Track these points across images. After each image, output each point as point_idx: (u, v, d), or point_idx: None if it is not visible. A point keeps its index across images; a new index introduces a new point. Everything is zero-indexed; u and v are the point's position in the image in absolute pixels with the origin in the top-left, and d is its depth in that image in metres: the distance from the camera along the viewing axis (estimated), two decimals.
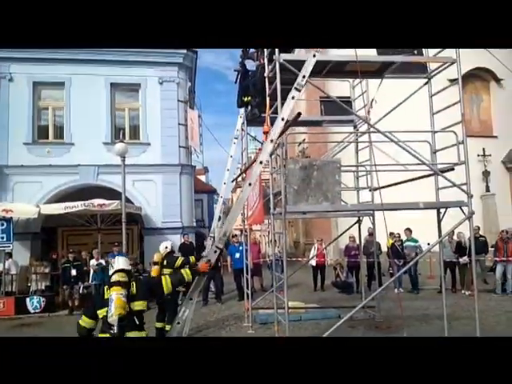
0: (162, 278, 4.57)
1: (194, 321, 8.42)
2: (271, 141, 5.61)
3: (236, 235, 13.20)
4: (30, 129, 15.05)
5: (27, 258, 13.73)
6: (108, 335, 3.84)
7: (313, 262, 13.02)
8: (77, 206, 12.48)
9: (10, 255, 12.45)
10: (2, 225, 11.92)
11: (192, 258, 8.56)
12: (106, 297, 3.94)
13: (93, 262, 12.13)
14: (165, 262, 7.94)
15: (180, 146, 15.88)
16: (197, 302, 7.24)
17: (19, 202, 13.67)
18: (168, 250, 8.10)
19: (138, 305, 4.05)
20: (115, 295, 3.86)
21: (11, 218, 12.12)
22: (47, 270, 12.54)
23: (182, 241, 13.85)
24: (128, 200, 13.79)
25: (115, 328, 3.80)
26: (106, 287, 4.07)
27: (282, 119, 5.67)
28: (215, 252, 5.53)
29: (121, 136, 13.57)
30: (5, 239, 11.84)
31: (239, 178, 11.22)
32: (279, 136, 5.98)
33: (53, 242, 16.03)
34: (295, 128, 17.59)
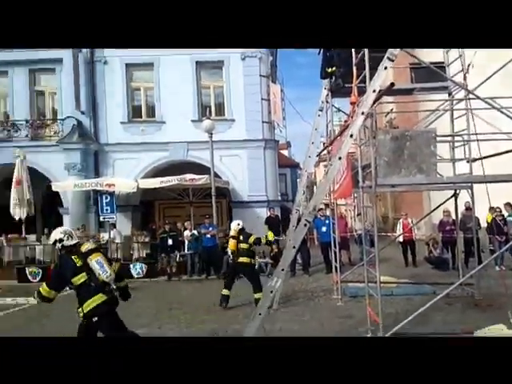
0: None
1: (284, 290, 8.67)
2: (362, 113, 5.47)
3: (322, 209, 13.15)
4: (125, 109, 16.13)
5: (129, 228, 15.01)
6: (102, 295, 4.36)
7: (400, 238, 12.63)
8: (171, 180, 13.28)
9: (114, 226, 13.70)
10: (106, 198, 13.08)
11: (270, 234, 8.89)
12: (79, 264, 4.39)
13: (187, 232, 12.92)
14: (241, 238, 8.45)
15: (263, 122, 16.04)
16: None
17: (119, 177, 14.89)
18: (240, 227, 8.58)
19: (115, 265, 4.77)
20: (102, 259, 4.44)
21: (113, 191, 13.26)
22: (147, 240, 13.63)
23: (268, 214, 14.15)
24: (216, 175, 14.36)
25: (112, 284, 4.47)
26: (74, 257, 4.42)
27: (374, 91, 5.48)
28: (305, 225, 5.60)
29: (207, 113, 14.06)
30: (109, 211, 13.01)
31: (323, 152, 11.09)
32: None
33: (151, 214, 17.29)
34: (382, 97, 16.79)
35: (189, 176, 13.34)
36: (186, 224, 13.30)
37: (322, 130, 10.16)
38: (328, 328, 6.68)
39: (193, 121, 15.85)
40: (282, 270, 5.62)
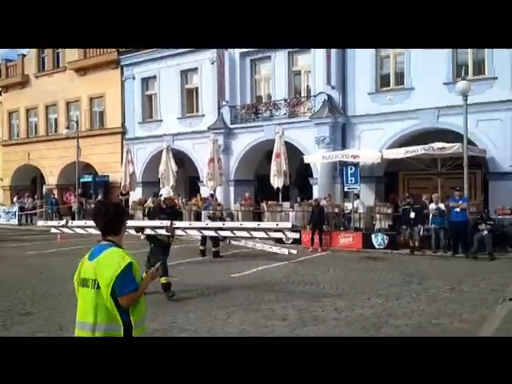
0: None
1: None
2: None
3: None
4: (374, 79, 15.98)
5: (372, 198, 15.14)
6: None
7: None
8: (417, 150, 12.62)
9: (357, 196, 14.07)
10: (351, 169, 13.50)
11: None
12: None
13: (432, 206, 12.13)
14: None
15: None
16: None
17: (365, 148, 15.03)
18: None
19: None
20: None
21: (358, 162, 13.55)
22: (389, 211, 13.47)
23: None
24: (470, 142, 12.82)
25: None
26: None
27: None
28: None
29: (463, 73, 12.56)
30: (353, 182, 13.41)
31: None
32: None
33: (394, 186, 16.95)
34: None
35: (438, 145, 12.33)
36: (432, 196, 12.47)
37: None
38: None
39: (445, 83, 14.44)
40: None
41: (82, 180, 21.37)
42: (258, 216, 16.20)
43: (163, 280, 7.23)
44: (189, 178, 21.85)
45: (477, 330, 4.75)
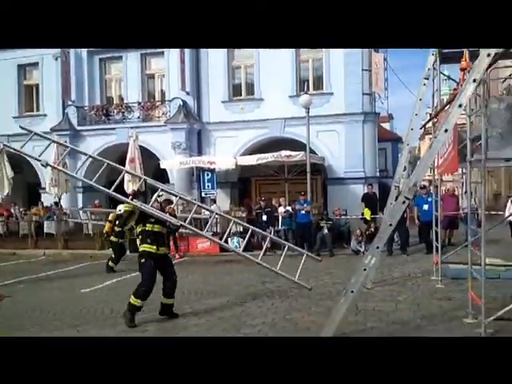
0: None
1: (379, 270, 8.40)
2: (474, 80, 4.90)
3: (425, 186, 12.36)
4: (227, 88, 16.55)
5: (228, 203, 15.64)
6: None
7: (510, 218, 11.39)
8: (267, 157, 13.46)
9: (214, 201, 14.36)
10: (208, 175, 13.74)
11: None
12: None
13: (281, 209, 13.06)
14: (116, 222, 10.30)
15: (363, 94, 15.37)
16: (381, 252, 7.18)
17: (220, 155, 15.45)
18: (120, 212, 9.37)
19: None
20: None
21: (214, 169, 13.85)
22: (244, 215, 14.05)
23: (366, 191, 13.68)
24: (312, 151, 14.19)
25: None
26: None
27: (488, 55, 4.87)
28: (403, 202, 5.29)
29: (305, 88, 13.85)
30: (210, 187, 13.65)
31: (429, 124, 10.30)
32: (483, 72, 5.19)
33: (247, 191, 17.79)
34: (499, 61, 14.97)
35: (284, 153, 13.36)
36: (280, 200, 13.44)
37: (428, 100, 9.44)
38: (424, 309, 6.33)
39: (290, 96, 15.75)
40: (377, 247, 5.41)
41: None
42: None
43: (135, 302, 6.06)
44: (27, 185, 19.54)
45: (323, 322, 5.26)
